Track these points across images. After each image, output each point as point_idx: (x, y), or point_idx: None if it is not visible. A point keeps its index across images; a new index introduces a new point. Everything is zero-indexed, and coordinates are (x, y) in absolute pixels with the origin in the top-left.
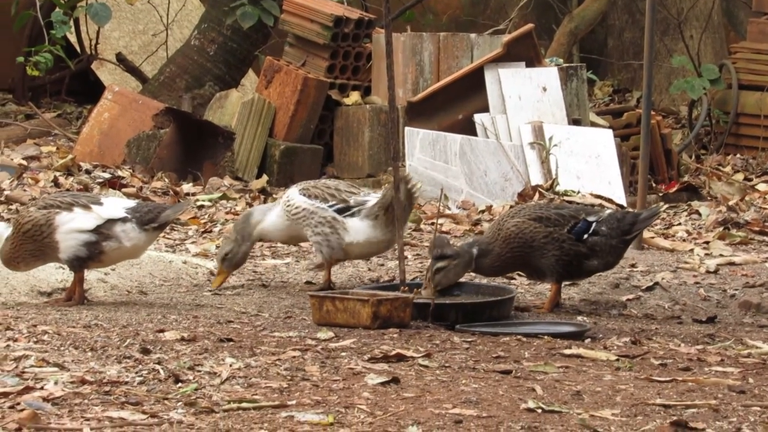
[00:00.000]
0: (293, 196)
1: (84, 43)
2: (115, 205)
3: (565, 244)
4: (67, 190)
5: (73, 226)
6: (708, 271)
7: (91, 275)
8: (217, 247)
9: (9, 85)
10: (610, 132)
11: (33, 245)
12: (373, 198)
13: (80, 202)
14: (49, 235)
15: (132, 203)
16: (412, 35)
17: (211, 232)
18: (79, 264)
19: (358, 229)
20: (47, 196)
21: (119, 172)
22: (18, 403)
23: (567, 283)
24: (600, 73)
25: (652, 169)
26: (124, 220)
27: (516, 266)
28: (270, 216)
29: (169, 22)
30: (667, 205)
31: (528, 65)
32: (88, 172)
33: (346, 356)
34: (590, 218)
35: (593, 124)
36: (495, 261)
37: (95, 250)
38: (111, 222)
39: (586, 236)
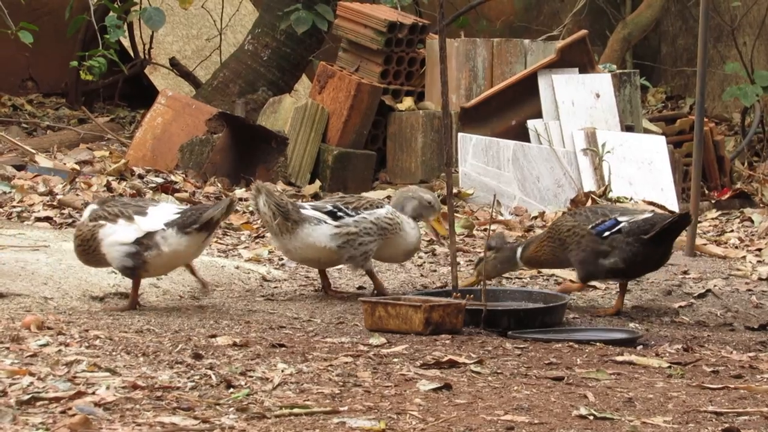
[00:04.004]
0: None
1: (137, 48)
2: (158, 217)
3: (584, 239)
4: (120, 194)
5: (114, 239)
6: (760, 278)
7: (143, 280)
8: (270, 252)
9: (62, 90)
10: (662, 138)
11: (87, 257)
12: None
13: (126, 212)
14: (96, 248)
15: (182, 209)
16: (466, 41)
17: (263, 237)
18: (130, 272)
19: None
20: (99, 208)
21: (172, 177)
22: (69, 408)
23: (593, 283)
24: (653, 79)
25: (705, 175)
26: (164, 228)
27: (552, 259)
28: None
29: (223, 27)
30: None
31: (581, 71)
32: (140, 176)
33: (398, 362)
34: (621, 218)
35: (646, 131)
36: (534, 249)
37: (139, 260)
38: (151, 232)
39: (607, 233)
